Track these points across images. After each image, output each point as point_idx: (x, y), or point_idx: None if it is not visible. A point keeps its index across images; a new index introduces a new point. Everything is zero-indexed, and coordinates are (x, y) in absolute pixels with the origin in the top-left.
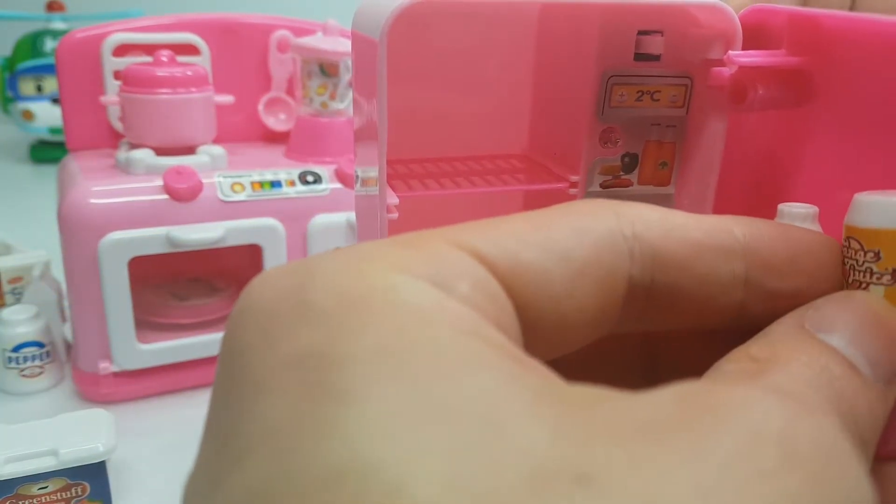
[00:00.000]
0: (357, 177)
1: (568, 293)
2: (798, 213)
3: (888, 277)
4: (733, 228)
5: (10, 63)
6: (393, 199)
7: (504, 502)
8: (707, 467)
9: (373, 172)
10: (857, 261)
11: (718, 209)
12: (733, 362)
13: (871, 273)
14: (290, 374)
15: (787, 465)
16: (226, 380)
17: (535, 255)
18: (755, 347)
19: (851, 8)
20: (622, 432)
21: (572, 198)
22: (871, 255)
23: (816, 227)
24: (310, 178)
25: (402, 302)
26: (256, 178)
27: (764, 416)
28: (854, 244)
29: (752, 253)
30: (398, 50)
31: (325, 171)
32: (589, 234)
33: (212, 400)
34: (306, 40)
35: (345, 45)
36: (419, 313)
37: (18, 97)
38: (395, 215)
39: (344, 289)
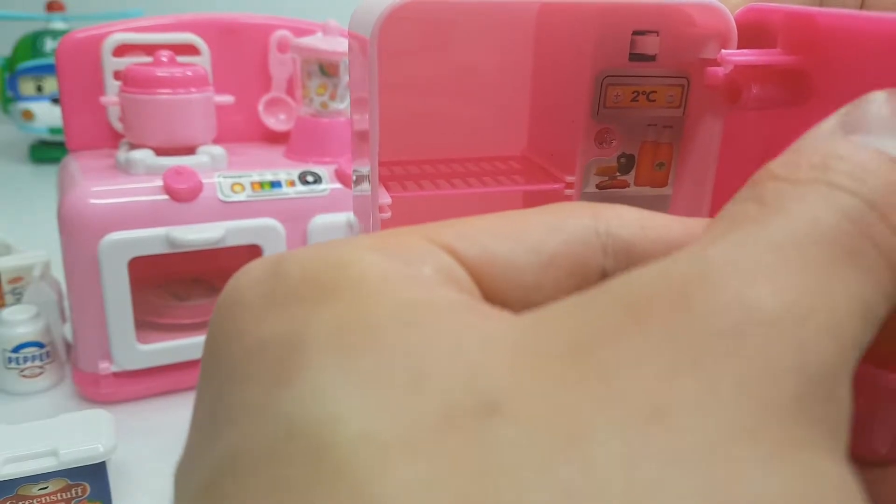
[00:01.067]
0: (353, 176)
1: (537, 284)
2: None
3: None
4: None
5: (10, 63)
6: (385, 198)
7: (417, 436)
8: (619, 395)
9: (366, 171)
10: None
11: (716, 210)
12: (739, 201)
13: None
14: (256, 362)
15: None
16: (205, 370)
17: (504, 248)
18: (779, 164)
19: (861, 6)
20: (550, 353)
21: (568, 198)
22: None
23: None
24: (310, 179)
25: (361, 276)
26: (256, 178)
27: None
28: None
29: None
30: (398, 51)
31: (324, 171)
32: (562, 229)
33: (196, 390)
34: (306, 40)
35: (345, 46)
36: (376, 285)
37: (18, 97)
38: (387, 215)
39: (309, 270)
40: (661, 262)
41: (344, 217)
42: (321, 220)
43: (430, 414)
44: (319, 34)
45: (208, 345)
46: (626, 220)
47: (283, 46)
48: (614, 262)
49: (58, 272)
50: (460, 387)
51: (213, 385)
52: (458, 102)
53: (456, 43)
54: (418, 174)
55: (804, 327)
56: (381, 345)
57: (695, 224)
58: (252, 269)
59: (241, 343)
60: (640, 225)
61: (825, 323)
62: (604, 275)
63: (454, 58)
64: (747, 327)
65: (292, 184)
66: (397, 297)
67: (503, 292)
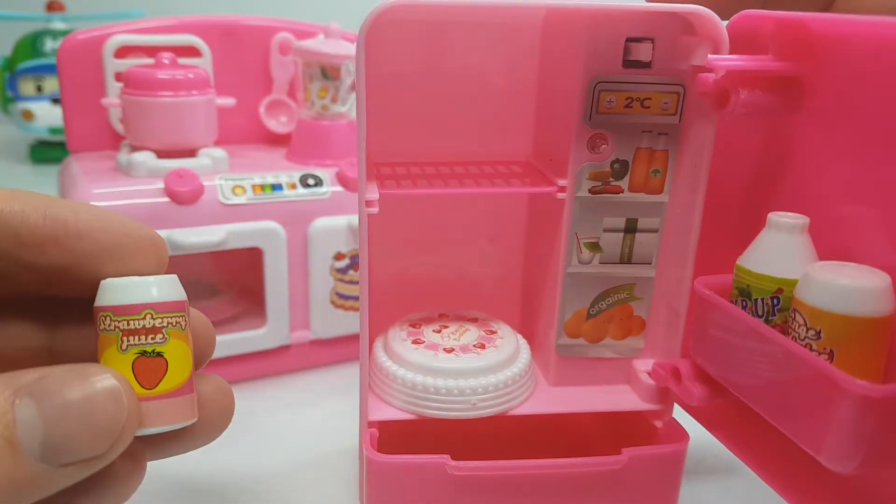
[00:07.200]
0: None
1: None
2: (786, 224)
3: (825, 356)
4: None
5: (10, 63)
6: (374, 194)
7: None
8: None
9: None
10: (798, 334)
11: (711, 217)
12: None
13: (811, 349)
14: None
15: None
16: None
17: None
18: None
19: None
20: None
21: (560, 202)
22: (812, 332)
23: (806, 238)
24: (311, 181)
25: None
26: (258, 180)
27: None
28: (798, 318)
29: (3, 227)
30: (412, 58)
31: (326, 174)
32: None
33: None
34: (308, 43)
35: (346, 49)
36: None
37: (18, 97)
38: (374, 209)
39: None
40: None
41: (345, 220)
42: (322, 222)
43: None
44: (321, 37)
45: None
46: None
47: (284, 49)
48: None
49: None
50: None
51: None
52: (468, 107)
53: (464, 50)
54: (418, 174)
55: None
56: None
57: None
58: None
59: None
60: None
61: None
62: None
63: (463, 65)
64: None
65: (293, 186)
66: None
67: None
